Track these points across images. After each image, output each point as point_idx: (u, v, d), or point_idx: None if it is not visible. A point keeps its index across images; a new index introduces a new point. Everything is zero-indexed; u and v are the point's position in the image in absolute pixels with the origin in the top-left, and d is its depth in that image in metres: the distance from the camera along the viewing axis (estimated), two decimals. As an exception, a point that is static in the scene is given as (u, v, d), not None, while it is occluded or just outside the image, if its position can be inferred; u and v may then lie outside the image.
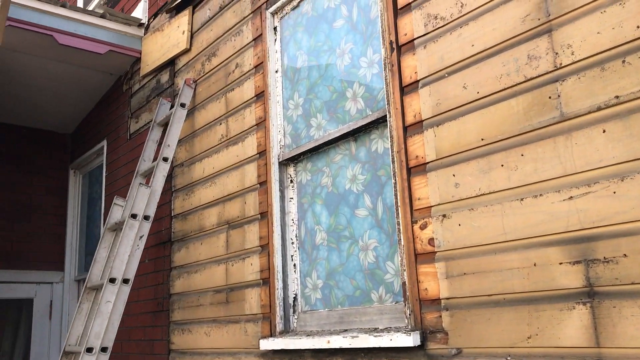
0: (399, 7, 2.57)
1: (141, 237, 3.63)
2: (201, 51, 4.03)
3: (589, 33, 1.87)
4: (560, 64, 1.94)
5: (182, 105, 3.98)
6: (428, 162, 2.34)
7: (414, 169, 2.40)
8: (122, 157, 4.93)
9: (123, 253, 3.52)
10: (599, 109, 1.83)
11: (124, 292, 3.48)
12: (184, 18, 4.21)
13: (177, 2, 4.26)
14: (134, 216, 3.62)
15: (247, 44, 3.57)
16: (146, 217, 3.66)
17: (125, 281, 3.49)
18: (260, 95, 3.39)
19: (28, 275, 5.56)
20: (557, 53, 1.96)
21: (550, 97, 1.96)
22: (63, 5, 4.46)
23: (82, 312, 3.78)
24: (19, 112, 5.65)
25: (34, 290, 5.59)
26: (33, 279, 5.58)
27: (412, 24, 2.49)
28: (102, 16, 4.61)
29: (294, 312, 3.02)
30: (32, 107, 5.58)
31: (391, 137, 2.51)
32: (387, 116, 2.54)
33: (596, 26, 1.85)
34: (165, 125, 4.27)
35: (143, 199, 3.67)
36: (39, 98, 5.42)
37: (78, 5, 5.69)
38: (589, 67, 1.86)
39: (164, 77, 4.48)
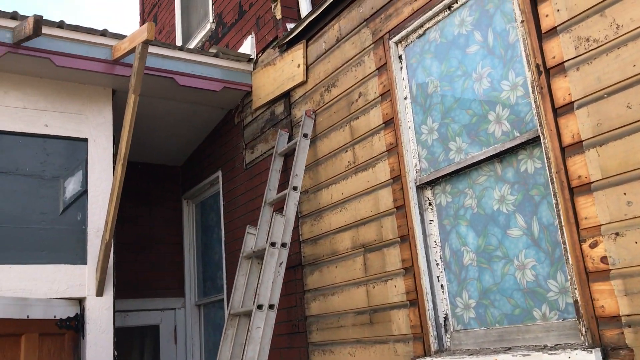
0: (543, 31, 2.64)
1: (281, 263, 3.82)
2: (318, 82, 4.21)
3: None
4: None
5: (305, 135, 4.16)
6: (593, 182, 2.39)
7: (576, 189, 2.45)
8: (239, 187, 5.17)
9: (267, 280, 3.71)
10: None
11: (270, 318, 3.67)
12: (298, 52, 4.41)
13: (290, 37, 4.47)
14: (273, 244, 3.81)
15: (370, 73, 3.71)
16: (284, 245, 3.85)
17: (271, 307, 3.68)
18: (390, 122, 3.52)
19: (153, 302, 5.90)
20: None
21: None
22: (181, 49, 4.75)
23: (227, 338, 4.00)
24: (135, 149, 6.02)
25: (159, 317, 5.91)
26: (158, 306, 5.91)
27: (560, 47, 2.56)
28: (216, 55, 4.88)
29: (446, 331, 3.11)
30: (146, 143, 5.93)
31: (547, 158, 2.57)
32: (541, 138, 2.61)
33: None
34: (285, 155, 4.47)
35: (279, 227, 3.87)
36: (153, 135, 5.76)
37: (193, 47, 6.01)
38: None
39: (279, 108, 4.69)
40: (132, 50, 4.14)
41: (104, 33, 4.40)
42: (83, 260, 4.38)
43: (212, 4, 5.85)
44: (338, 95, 4.00)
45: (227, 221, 5.34)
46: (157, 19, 7.26)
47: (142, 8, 7.81)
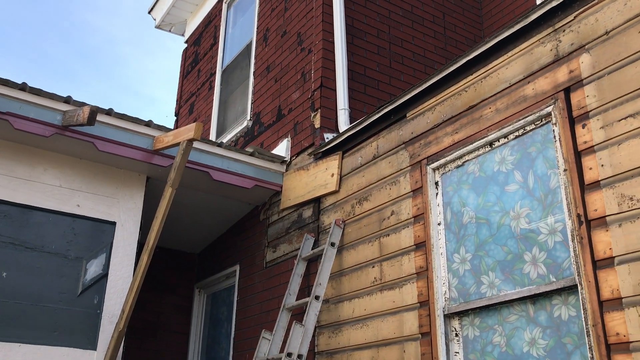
0: (585, 182, 2.72)
1: (295, 376, 3.72)
2: (351, 194, 4.29)
3: None
4: None
5: (332, 244, 4.19)
6: (632, 342, 2.37)
7: (614, 346, 2.43)
8: (257, 284, 5.14)
9: (280, 393, 3.61)
10: None
11: None
12: (333, 162, 4.53)
13: (327, 147, 4.61)
14: (289, 355, 3.74)
15: (405, 194, 3.78)
16: (300, 356, 3.78)
17: (282, 422, 3.56)
18: (421, 245, 3.55)
19: (151, 393, 5.71)
20: None
21: None
22: (219, 145, 4.90)
23: None
24: (156, 233, 6.05)
25: (155, 409, 5.70)
26: (155, 397, 5.71)
27: (602, 201, 2.62)
28: (252, 154, 5.02)
29: None
30: (167, 228, 5.96)
31: (584, 309, 2.57)
32: (579, 288, 2.62)
33: None
34: (309, 260, 4.48)
35: (298, 337, 3.81)
36: (176, 222, 5.81)
37: (230, 145, 6.18)
38: None
39: (307, 212, 4.75)
40: (175, 145, 4.27)
41: (148, 124, 4.56)
42: (93, 346, 4.30)
43: (252, 103, 6.08)
44: (370, 210, 4.06)
45: (239, 318, 5.26)
46: (194, 108, 7.52)
47: (180, 95, 8.11)
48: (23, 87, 4.12)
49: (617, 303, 2.47)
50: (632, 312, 2.40)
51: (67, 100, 4.28)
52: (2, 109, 4.05)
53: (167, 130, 4.58)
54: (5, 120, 4.06)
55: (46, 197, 4.43)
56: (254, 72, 6.21)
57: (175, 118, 8.05)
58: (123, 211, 4.70)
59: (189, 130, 4.01)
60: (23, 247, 4.27)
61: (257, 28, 6.40)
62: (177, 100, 8.15)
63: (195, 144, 4.74)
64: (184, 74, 8.22)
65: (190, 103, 7.70)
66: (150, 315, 5.94)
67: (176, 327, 6.09)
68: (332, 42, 5.16)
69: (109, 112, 4.41)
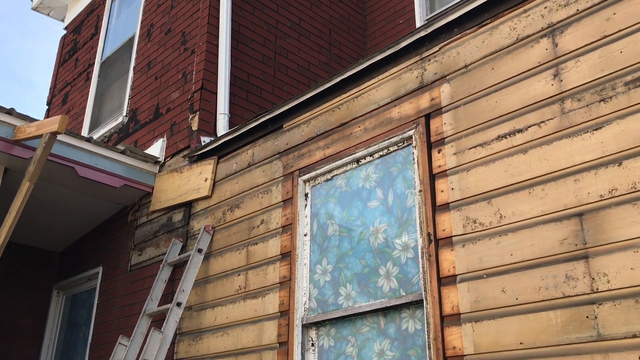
0: (437, 204, 2.90)
1: (149, 384, 3.61)
2: (223, 200, 4.26)
3: (623, 267, 2.21)
4: (597, 289, 2.25)
5: (199, 250, 4.13)
6: (465, 355, 2.56)
7: (450, 359, 2.60)
8: (120, 288, 4.94)
9: (131, 401, 3.49)
10: (634, 336, 2.11)
11: None
12: (207, 166, 4.48)
13: (203, 151, 4.55)
14: (145, 363, 3.63)
15: (276, 203, 3.82)
16: (156, 364, 3.67)
17: None
18: (287, 255, 3.60)
19: (-6, 401, 5.28)
20: (593, 278, 2.27)
21: (587, 317, 2.25)
22: (88, 140, 4.67)
23: None
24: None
25: (-3, 418, 5.28)
26: (-2, 405, 5.29)
27: (450, 222, 2.81)
28: (123, 152, 4.83)
29: None
30: (26, 224, 5.58)
31: (427, 323, 2.73)
32: (424, 303, 2.78)
33: (630, 263, 2.19)
34: (175, 266, 4.38)
35: (155, 345, 3.71)
36: (36, 217, 5.45)
37: (100, 141, 5.90)
38: (624, 297, 2.18)
39: (177, 216, 4.65)
40: (37, 137, 4.02)
41: (9, 112, 4.26)
42: None
43: (129, 99, 5.86)
44: (240, 217, 4.05)
45: (98, 322, 5.03)
46: (68, 98, 7.12)
47: (54, 84, 7.64)
48: None
49: (456, 318, 2.65)
50: (467, 328, 2.59)
51: None
52: None
53: (31, 120, 4.30)
54: None
55: None
56: (134, 67, 6.00)
57: (47, 107, 7.57)
58: (-27, 203, 4.33)
59: (54, 123, 3.78)
60: None
61: (142, 23, 6.20)
62: (50, 89, 7.67)
63: (62, 138, 4.49)
64: (60, 62, 7.76)
65: (65, 93, 7.28)
66: (2, 317, 5.51)
67: (30, 331, 5.69)
68: (217, 45, 5.12)
69: (-36, 95, 4.05)
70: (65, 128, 3.86)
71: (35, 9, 8.12)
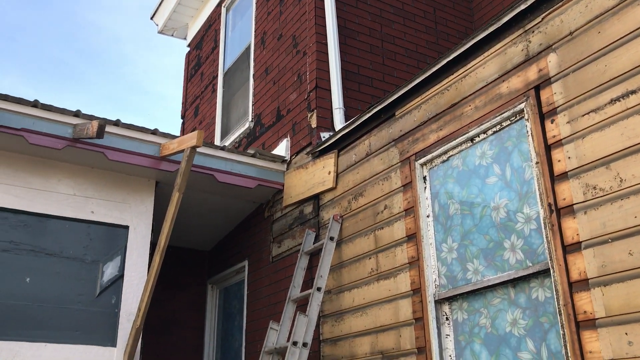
0: (555, 174, 2.94)
1: (301, 363, 3.99)
2: (347, 190, 4.54)
3: None
4: None
5: (332, 238, 4.44)
6: (597, 319, 2.61)
7: (582, 323, 2.67)
8: (264, 278, 5.42)
9: (287, 379, 3.88)
10: None
11: (288, 417, 3.81)
12: (329, 160, 4.77)
13: (323, 146, 4.85)
14: (295, 343, 4.01)
15: (396, 188, 4.02)
16: (305, 344, 4.05)
17: (290, 406, 3.84)
18: (412, 237, 3.80)
19: (170, 385, 6.02)
20: None
21: None
22: (222, 149, 5.16)
23: None
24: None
25: (175, 400, 6.02)
26: (175, 389, 6.02)
27: (570, 191, 2.85)
28: (253, 155, 5.27)
29: None
30: (178, 228, 6.24)
31: (556, 290, 2.80)
32: (551, 271, 2.85)
33: None
34: (311, 254, 4.74)
35: (302, 327, 4.08)
36: (186, 222, 6.09)
37: (232, 147, 6.43)
38: None
39: (307, 209, 5.00)
40: (180, 151, 4.54)
41: (154, 132, 4.83)
42: (113, 343, 4.60)
43: (252, 105, 6.32)
44: (365, 205, 4.30)
45: (250, 311, 5.55)
46: (199, 110, 7.79)
47: (185, 98, 8.38)
48: (35, 104, 4.40)
49: (584, 284, 2.70)
50: (597, 292, 2.63)
51: (77, 114, 4.55)
52: (17, 125, 4.32)
53: (172, 137, 4.84)
54: (20, 136, 4.34)
55: (62, 206, 4.72)
56: (253, 74, 6.45)
57: (182, 120, 8.32)
58: (135, 215, 4.98)
59: (192, 138, 4.26)
60: (43, 253, 4.57)
61: (255, 31, 6.64)
62: (182, 104, 8.42)
63: (200, 149, 5.00)
64: (188, 78, 8.48)
65: (195, 106, 7.96)
66: (166, 312, 6.24)
67: (191, 323, 6.39)
68: (325, 44, 5.39)
69: (117, 123, 4.67)
70: (202, 141, 4.32)
71: (160, 32, 8.93)
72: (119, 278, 4.79)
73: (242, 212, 5.96)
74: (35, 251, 4.55)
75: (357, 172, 4.46)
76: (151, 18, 8.93)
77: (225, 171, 5.13)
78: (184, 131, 8.25)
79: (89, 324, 4.58)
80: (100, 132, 4.00)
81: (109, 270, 4.79)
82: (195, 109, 7.93)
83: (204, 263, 6.71)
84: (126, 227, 4.94)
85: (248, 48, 6.78)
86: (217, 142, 7.07)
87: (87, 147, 4.57)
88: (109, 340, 4.61)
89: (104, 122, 4.04)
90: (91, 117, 4.60)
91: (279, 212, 5.45)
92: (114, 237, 4.89)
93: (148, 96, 33.72)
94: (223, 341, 6.24)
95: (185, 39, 9.03)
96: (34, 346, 4.31)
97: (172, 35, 9.01)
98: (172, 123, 27.71)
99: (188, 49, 8.77)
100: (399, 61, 5.87)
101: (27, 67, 28.69)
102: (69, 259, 4.66)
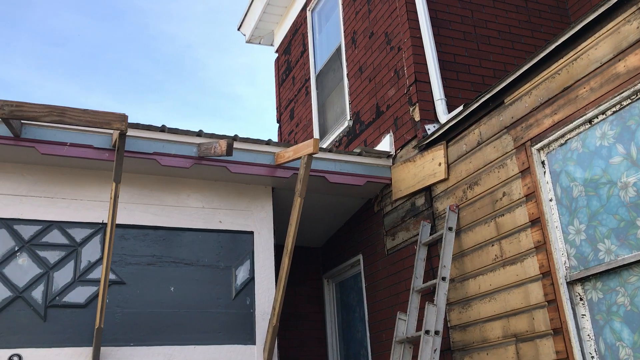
0: (688, 150, 2.94)
1: (435, 350, 4.18)
2: (460, 180, 4.65)
3: None
4: None
5: (450, 229, 4.58)
6: None
7: None
8: (382, 271, 5.63)
9: (424, 366, 4.08)
10: None
11: (429, 401, 4.01)
12: (438, 152, 4.90)
13: (430, 139, 4.98)
14: (427, 332, 4.20)
15: (513, 175, 4.10)
16: (437, 332, 4.23)
17: (429, 391, 4.03)
18: (536, 221, 3.87)
19: (300, 377, 6.38)
20: None
21: None
22: (330, 151, 5.40)
23: (386, 417, 4.37)
24: (282, 234, 6.69)
25: (306, 391, 6.38)
26: (305, 380, 6.38)
27: None
28: (359, 154, 5.48)
29: (606, 422, 3.31)
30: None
31: (701, 266, 2.82)
32: (693, 247, 2.87)
33: None
34: (429, 245, 4.90)
35: (432, 316, 4.26)
36: (301, 222, 6.36)
37: (335, 147, 6.67)
38: None
39: (419, 201, 5.16)
40: (295, 159, 4.82)
41: (268, 142, 5.14)
42: (252, 341, 4.98)
43: (349, 104, 6.53)
44: (481, 193, 4.41)
45: (370, 302, 5.78)
46: (294, 114, 8.09)
47: (279, 103, 8.72)
48: (163, 128, 4.81)
49: None
50: None
51: (199, 133, 4.93)
52: (149, 150, 4.75)
53: (285, 146, 5.14)
54: (153, 159, 4.77)
55: (193, 219, 5.14)
56: (347, 74, 6.65)
57: (277, 125, 8.67)
58: (257, 221, 5.33)
59: (308, 146, 4.52)
60: (182, 263, 5.00)
61: (344, 32, 6.82)
62: (277, 108, 8.76)
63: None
64: (280, 83, 8.81)
65: (290, 109, 8.28)
66: (289, 308, 6.60)
67: (311, 316, 6.73)
68: (420, 37, 5.49)
69: (236, 138, 5.01)
70: (318, 148, 4.56)
71: (248, 41, 9.31)
72: (250, 280, 5.16)
73: (351, 208, 6.19)
74: (175, 262, 4.99)
75: (470, 162, 4.57)
76: (238, 29, 9.32)
77: (335, 172, 5.38)
78: (281, 134, 8.59)
79: (229, 325, 4.98)
80: (229, 150, 4.33)
81: (241, 274, 5.16)
82: (291, 112, 8.24)
83: (318, 259, 7.02)
84: (251, 233, 5.30)
85: (339, 48, 6.98)
86: (316, 142, 7.33)
87: (211, 162, 4.94)
88: (249, 338, 4.99)
89: (231, 141, 4.37)
90: (212, 136, 4.97)
91: (389, 206, 5.64)
92: (241, 242, 5.26)
93: (224, 98, 34.82)
94: (345, 332, 6.53)
95: (271, 45, 9.36)
96: (185, 349, 4.75)
97: (259, 43, 9.36)
98: (248, 121, 28.50)
99: (276, 54, 9.09)
100: (494, 44, 5.88)
101: (110, 82, 30.42)
102: (204, 266, 5.07)
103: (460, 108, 4.76)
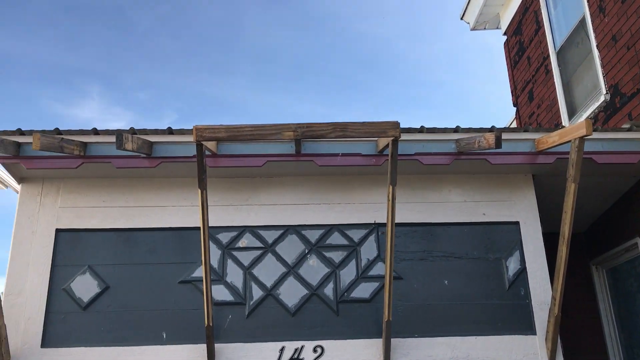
0: None
1: None
2: None
3: None
4: None
5: None
6: None
7: None
8: (668, 254, 5.14)
9: None
10: None
11: None
12: None
13: None
14: None
15: None
16: None
17: None
18: None
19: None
20: None
21: None
22: (595, 130, 5.08)
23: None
24: (542, 219, 6.48)
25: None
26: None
27: None
28: (630, 129, 5.07)
29: None
30: (554, 216, 6.32)
31: None
32: None
33: None
34: None
35: None
36: (560, 209, 6.13)
37: (599, 126, 6.27)
38: None
39: None
40: (561, 144, 4.64)
41: (526, 129, 5.03)
42: (532, 331, 4.92)
43: (604, 77, 6.08)
44: None
45: (656, 288, 5.32)
46: (533, 95, 7.78)
47: (514, 86, 8.45)
48: (421, 129, 5.00)
49: None
50: None
51: (456, 129, 5.03)
52: (411, 151, 4.98)
53: (546, 132, 4.98)
54: (415, 160, 4.98)
55: (456, 213, 5.25)
56: (597, 45, 6.20)
57: (515, 108, 8.41)
58: (521, 210, 5.26)
59: (579, 128, 4.32)
60: (452, 257, 5.15)
61: (588, 2, 6.37)
62: (512, 92, 8.51)
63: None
64: (512, 65, 8.54)
65: (528, 91, 7.97)
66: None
67: (581, 304, 6.39)
68: (689, -8, 4.91)
69: (503, 130, 5.01)
70: (591, 130, 4.33)
71: (473, 28, 9.19)
72: (522, 271, 5.11)
73: (620, 188, 5.75)
74: (445, 256, 5.16)
75: None
76: (461, 18, 9.26)
77: (602, 152, 5.05)
78: (519, 118, 8.33)
79: (506, 316, 4.99)
80: (499, 143, 4.35)
81: (512, 265, 5.14)
82: (529, 94, 7.93)
83: (582, 245, 6.65)
84: (516, 223, 5.24)
85: (582, 20, 6.54)
86: (564, 122, 6.97)
87: (470, 157, 5.00)
88: (528, 328, 4.94)
89: (499, 134, 4.38)
90: (468, 130, 5.03)
91: (669, 182, 5.13)
92: (507, 233, 5.23)
93: (425, 86, 34.47)
94: (623, 321, 6.09)
95: (497, 28, 9.12)
96: (466, 340, 4.88)
97: (484, 28, 9.19)
98: (455, 107, 27.74)
99: (504, 37, 8.84)
100: None
101: (318, 88, 32.10)
102: (474, 259, 5.15)
103: None
